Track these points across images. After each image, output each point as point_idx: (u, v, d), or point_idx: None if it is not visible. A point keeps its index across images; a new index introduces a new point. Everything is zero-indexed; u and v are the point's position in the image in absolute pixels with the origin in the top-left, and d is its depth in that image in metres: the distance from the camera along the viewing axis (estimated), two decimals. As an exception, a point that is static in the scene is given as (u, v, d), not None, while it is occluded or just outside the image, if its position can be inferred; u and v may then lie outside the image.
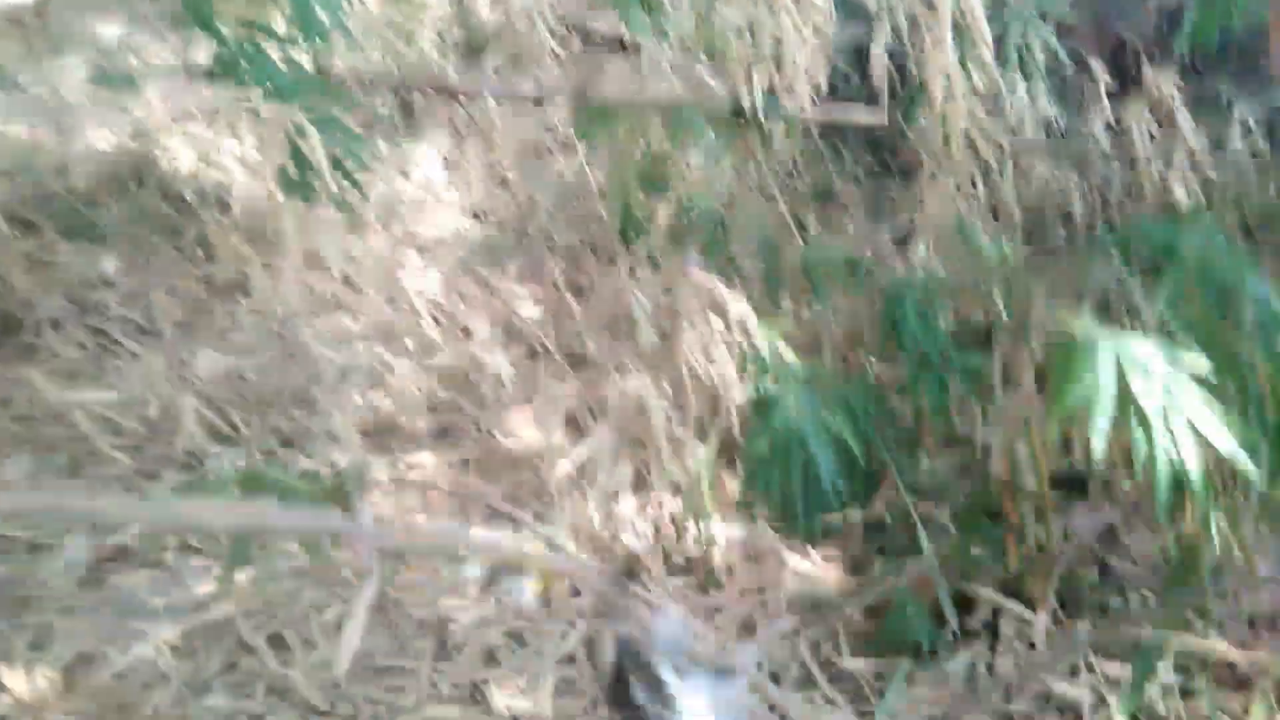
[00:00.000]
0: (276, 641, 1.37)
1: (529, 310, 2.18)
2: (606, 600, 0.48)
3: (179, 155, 2.56)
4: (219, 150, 2.63)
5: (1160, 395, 1.02)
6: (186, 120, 2.76)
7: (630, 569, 1.49)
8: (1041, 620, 1.39)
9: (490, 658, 1.38)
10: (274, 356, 1.96)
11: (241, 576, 1.42)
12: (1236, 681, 1.27)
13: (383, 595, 1.46)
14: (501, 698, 1.31)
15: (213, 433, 1.70)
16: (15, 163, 2.44)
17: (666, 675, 0.48)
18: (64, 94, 2.63)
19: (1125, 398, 1.03)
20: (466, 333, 2.10)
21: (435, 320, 2.10)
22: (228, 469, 1.56)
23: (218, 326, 2.02)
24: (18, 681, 1.27)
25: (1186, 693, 1.24)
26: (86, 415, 1.66)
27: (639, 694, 0.49)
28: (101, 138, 2.64)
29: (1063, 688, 1.29)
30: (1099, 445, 1.02)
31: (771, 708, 0.54)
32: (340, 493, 0.76)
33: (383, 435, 1.82)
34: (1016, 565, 1.41)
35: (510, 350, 2.07)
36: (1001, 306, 1.49)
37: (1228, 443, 1.02)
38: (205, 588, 1.42)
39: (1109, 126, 2.01)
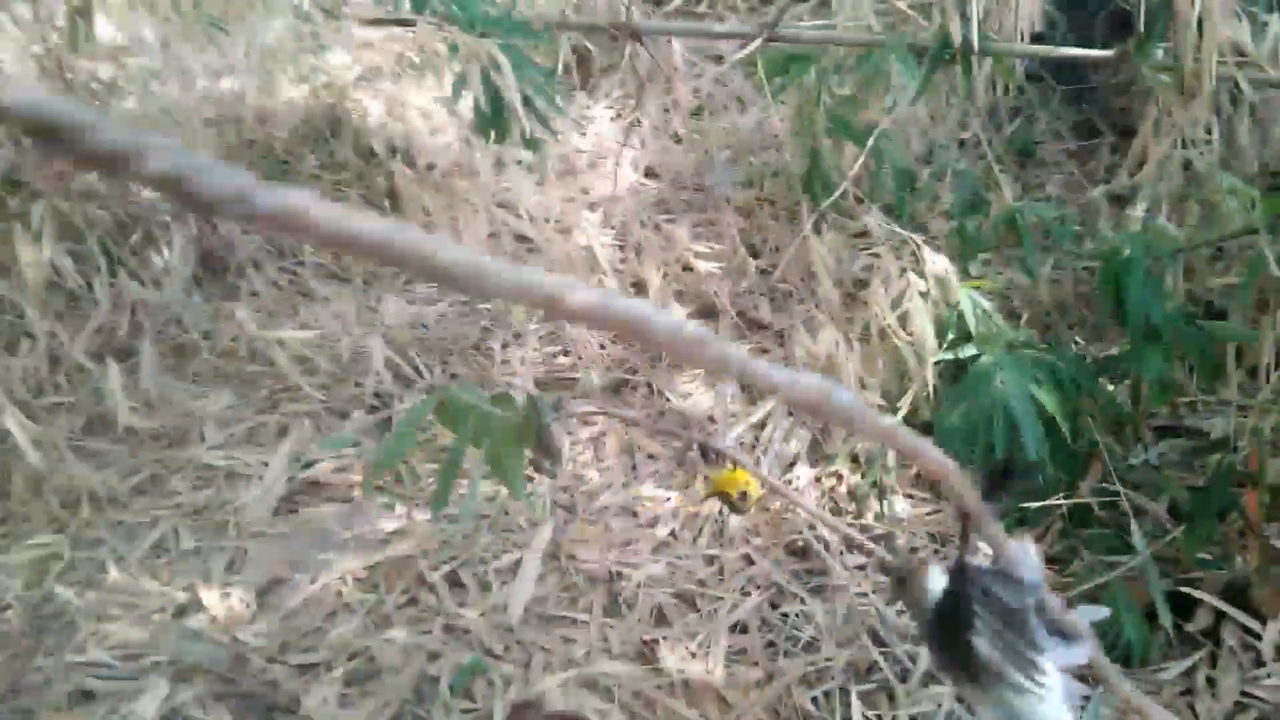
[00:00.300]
0: (454, 581, 1.39)
1: (705, 267, 2.13)
2: (972, 511, 0.39)
3: (368, 108, 2.63)
4: (406, 104, 2.69)
5: None
6: (376, 75, 2.85)
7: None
8: (1272, 633, 1.24)
9: (661, 617, 1.36)
10: (456, 306, 1.99)
11: (423, 516, 1.45)
12: None
13: (555, 546, 1.45)
14: (672, 659, 1.28)
15: (398, 376, 1.74)
16: (221, 113, 2.57)
17: (1038, 633, 0.40)
18: (263, 46, 2.75)
19: None
20: (640, 289, 2.07)
21: (611, 275, 2.07)
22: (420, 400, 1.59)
23: (403, 276, 2.07)
24: (214, 600, 1.33)
25: None
26: (284, 353, 1.72)
27: (986, 647, 0.41)
28: (297, 90, 2.75)
29: (1300, 710, 1.14)
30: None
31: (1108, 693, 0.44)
32: (534, 417, 0.72)
33: (557, 388, 1.82)
34: (1253, 572, 1.25)
35: (684, 308, 2.03)
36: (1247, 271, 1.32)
37: None
38: (389, 524, 1.45)
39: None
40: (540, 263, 2.11)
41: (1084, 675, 0.45)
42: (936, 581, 0.49)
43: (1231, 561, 1.31)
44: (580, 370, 1.83)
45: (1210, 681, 1.21)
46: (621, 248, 2.21)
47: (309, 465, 1.55)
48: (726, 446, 0.71)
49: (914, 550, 1.46)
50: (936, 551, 1.45)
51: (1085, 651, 0.42)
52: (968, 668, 0.43)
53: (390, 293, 1.98)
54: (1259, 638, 1.25)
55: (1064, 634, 0.42)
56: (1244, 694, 1.19)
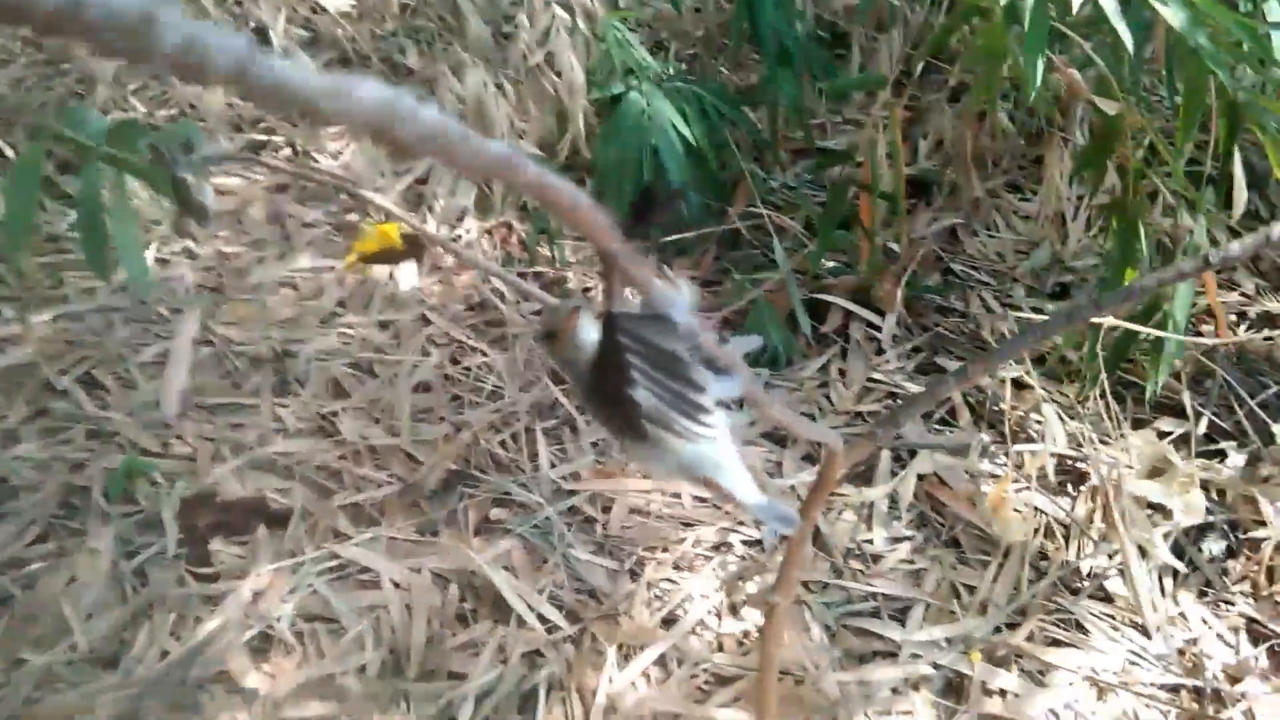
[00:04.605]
0: (90, 383, 1.24)
1: (338, 7, 1.91)
2: (611, 251, 0.31)
3: None
4: None
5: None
6: None
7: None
8: (889, 324, 1.44)
9: (338, 390, 1.31)
10: (33, 68, 1.64)
11: (40, 316, 1.26)
12: (1067, 373, 1.36)
13: (207, 331, 1.33)
14: (354, 428, 1.25)
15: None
16: None
17: (696, 372, 0.37)
18: None
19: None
20: (263, 36, 1.82)
21: (226, 21, 1.80)
22: None
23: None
24: None
25: (1021, 385, 1.33)
26: None
27: (647, 398, 0.36)
28: None
29: (910, 387, 1.35)
30: (1035, 83, 0.96)
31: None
32: (162, 166, 0.61)
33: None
34: (867, 271, 1.42)
35: (319, 57, 1.82)
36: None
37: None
38: (-4, 331, 1.25)
39: None
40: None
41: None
42: (589, 333, 0.46)
43: (857, 267, 1.48)
44: (209, 133, 1.61)
45: (841, 372, 1.39)
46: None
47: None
48: (380, 200, 0.64)
49: (577, 294, 1.50)
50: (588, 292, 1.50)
51: (740, 382, 0.41)
52: (632, 423, 0.41)
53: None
54: (880, 329, 1.44)
55: (719, 368, 0.41)
56: (869, 379, 1.38)
